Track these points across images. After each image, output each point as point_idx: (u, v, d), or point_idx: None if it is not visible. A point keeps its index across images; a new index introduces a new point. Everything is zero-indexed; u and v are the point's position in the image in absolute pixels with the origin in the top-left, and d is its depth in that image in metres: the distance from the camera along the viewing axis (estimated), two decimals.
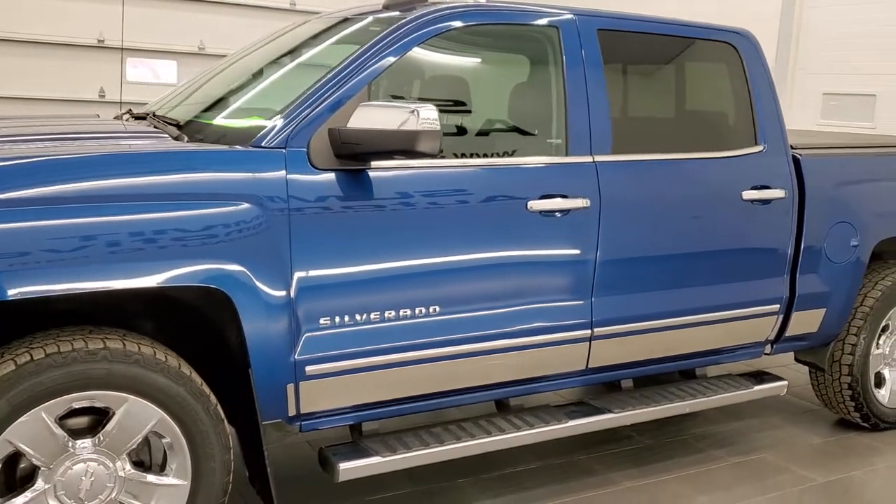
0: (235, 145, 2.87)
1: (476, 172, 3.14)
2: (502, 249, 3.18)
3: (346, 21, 3.57)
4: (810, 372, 4.54)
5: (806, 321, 4.08)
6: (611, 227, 3.39)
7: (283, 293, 2.78)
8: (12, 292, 2.39)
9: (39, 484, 2.55)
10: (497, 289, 3.21)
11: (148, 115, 3.61)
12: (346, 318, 2.92)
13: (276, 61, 3.62)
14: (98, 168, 2.58)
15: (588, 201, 3.32)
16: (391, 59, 3.06)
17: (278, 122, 2.89)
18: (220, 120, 3.21)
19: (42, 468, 2.55)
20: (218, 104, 3.44)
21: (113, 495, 2.66)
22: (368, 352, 2.97)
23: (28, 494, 2.53)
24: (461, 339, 3.14)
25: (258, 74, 3.57)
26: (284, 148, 2.83)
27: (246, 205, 2.72)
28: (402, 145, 2.74)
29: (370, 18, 3.43)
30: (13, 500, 2.52)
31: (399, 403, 3.15)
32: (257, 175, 2.77)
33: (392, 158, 2.85)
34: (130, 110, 3.91)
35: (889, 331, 4.46)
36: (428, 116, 2.72)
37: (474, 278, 3.15)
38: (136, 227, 2.56)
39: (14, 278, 2.39)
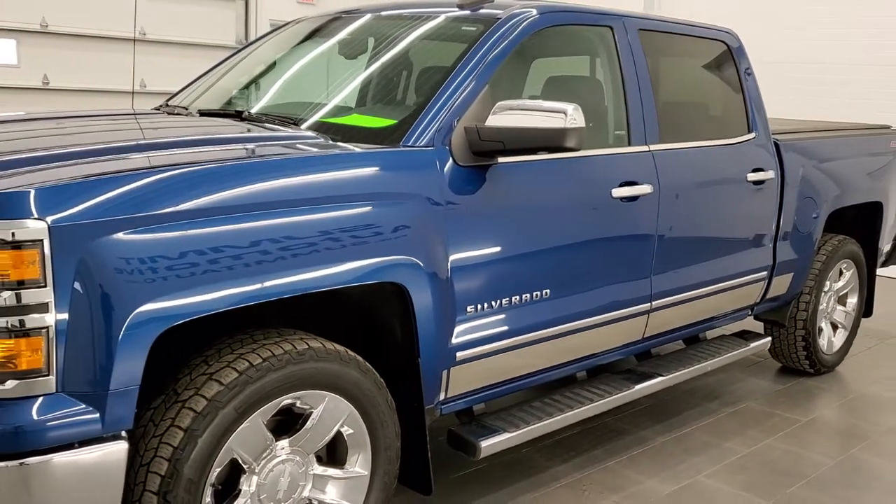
0: (377, 145, 2.94)
1: (574, 162, 3.39)
2: (595, 234, 3.47)
3: (398, 18, 3.67)
4: (765, 328, 5.17)
5: (781, 284, 4.69)
6: (666, 210, 3.76)
7: (445, 284, 2.91)
8: (217, 301, 2.37)
9: (245, 490, 2.55)
10: (589, 270, 3.49)
11: (184, 108, 3.55)
12: (485, 306, 3.09)
13: (345, 58, 3.66)
14: (272, 173, 2.57)
15: (652, 187, 3.67)
16: (502, 58, 3.24)
17: (422, 121, 2.99)
18: (337, 119, 3.24)
19: (248, 473, 2.55)
20: (314, 101, 3.45)
21: (305, 493, 2.71)
22: (500, 335, 3.17)
23: (241, 500, 2.54)
24: (564, 317, 3.40)
25: (334, 71, 3.60)
26: (433, 146, 2.95)
27: (412, 201, 2.82)
28: (551, 142, 2.94)
29: (443, 16, 3.56)
30: None
31: (514, 381, 3.37)
32: (418, 173, 2.88)
33: (534, 154, 3.04)
34: (167, 103, 3.80)
35: (826, 289, 5.18)
36: (575, 114, 2.94)
37: (574, 261, 3.42)
38: (321, 229, 2.59)
39: (212, 289, 2.37)
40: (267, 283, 2.44)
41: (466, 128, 3.01)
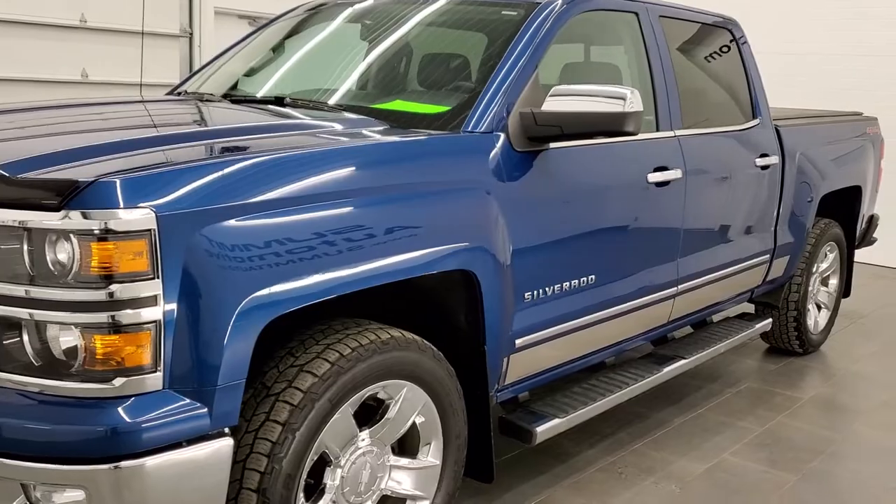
0: (437, 131, 2.90)
1: (614, 147, 3.41)
2: (633, 219, 3.50)
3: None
4: (756, 311, 5.30)
5: (779, 267, 4.82)
6: (691, 194, 3.82)
7: (507, 271, 2.90)
8: (318, 290, 2.31)
9: (330, 484, 2.50)
10: (629, 255, 3.53)
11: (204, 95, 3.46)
12: (540, 292, 3.09)
13: (376, 42, 3.59)
14: (360, 159, 2.53)
15: (681, 172, 3.72)
16: (548, 43, 3.23)
17: (479, 107, 2.96)
18: (383, 105, 3.18)
19: (333, 467, 2.50)
20: (351, 86, 3.38)
21: (383, 485, 2.66)
22: (553, 321, 3.17)
23: (328, 496, 2.48)
24: (607, 302, 3.42)
25: (364, 55, 3.54)
26: (493, 132, 2.93)
27: (479, 187, 2.80)
28: (610, 126, 2.94)
29: (480, 1, 3.53)
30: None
31: (559, 368, 3.38)
32: (483, 159, 2.85)
33: (590, 139, 3.04)
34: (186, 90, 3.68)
35: (814, 271, 5.35)
36: (633, 99, 2.95)
37: (616, 246, 3.44)
38: (403, 215, 2.56)
39: (313, 277, 2.31)
40: (359, 271, 2.39)
41: (522, 113, 2.99)
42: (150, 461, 2.01)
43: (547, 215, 3.06)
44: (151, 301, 2.00)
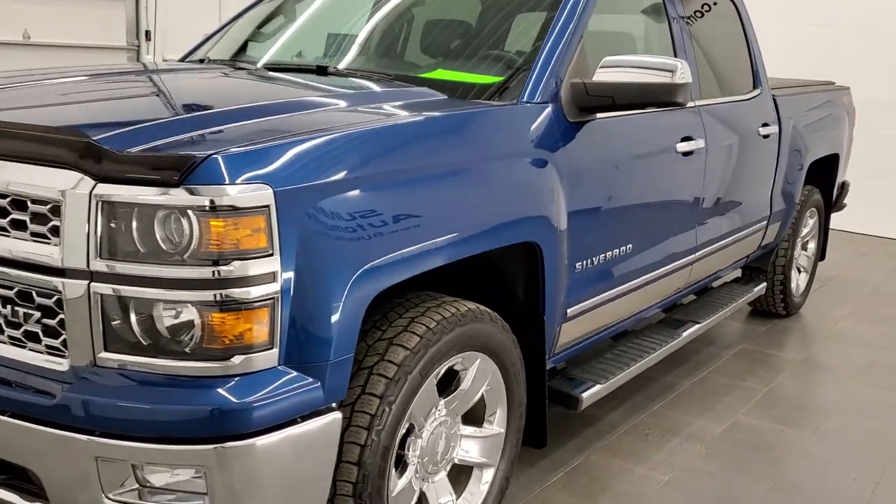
0: (493, 102, 2.91)
1: (649, 118, 3.46)
2: (665, 188, 3.58)
3: None
4: (743, 275, 5.47)
5: (772, 233, 4.98)
6: (710, 164, 3.91)
7: (565, 242, 2.94)
8: (418, 262, 2.33)
9: (411, 455, 2.52)
10: (659, 223, 3.61)
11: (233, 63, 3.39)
12: (588, 262, 3.14)
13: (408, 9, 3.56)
14: (442, 131, 2.53)
15: (703, 142, 3.81)
16: (589, 13, 3.25)
17: (533, 77, 2.97)
18: (430, 74, 3.16)
19: (414, 438, 2.52)
20: (391, 54, 3.35)
21: (453, 455, 2.70)
22: (598, 290, 3.24)
23: (411, 466, 2.51)
24: (641, 271, 3.50)
25: (397, 22, 3.50)
26: (548, 102, 2.95)
27: (541, 158, 2.82)
28: (661, 97, 2.98)
29: None
30: (402, 475, 2.49)
31: (594, 336, 3.45)
32: (543, 129, 2.87)
33: (640, 109, 3.09)
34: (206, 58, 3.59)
35: (799, 237, 5.54)
36: (683, 70, 3.00)
37: (650, 215, 3.51)
38: (480, 189, 2.58)
39: (412, 250, 2.32)
40: (452, 243, 2.41)
41: (573, 83, 3.01)
42: (272, 437, 2.00)
43: (594, 186, 3.11)
44: (269, 278, 1.98)
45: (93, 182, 1.94)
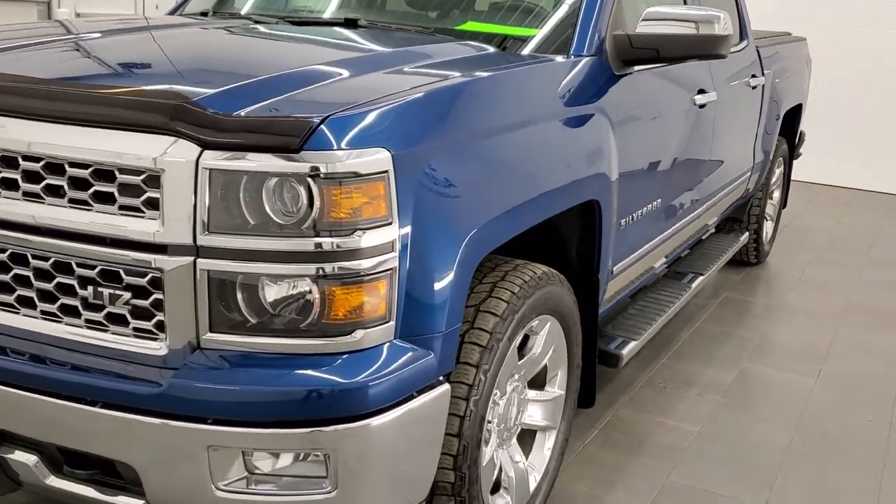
0: (542, 55, 2.82)
1: (674, 71, 3.42)
2: (687, 141, 3.57)
3: None
4: (718, 226, 5.55)
5: (752, 182, 5.06)
6: (718, 115, 3.92)
7: (616, 197, 2.89)
8: (516, 223, 2.26)
9: (491, 421, 2.46)
10: (682, 176, 3.60)
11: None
12: (631, 217, 3.11)
13: None
14: (524, 86, 2.45)
15: (715, 95, 3.81)
16: None
17: (580, 29, 2.88)
18: (467, 26, 3.03)
19: (493, 405, 2.46)
20: (420, 7, 3.20)
21: (522, 418, 2.65)
22: (636, 245, 3.22)
23: (493, 434, 2.45)
24: (666, 225, 3.50)
25: None
26: (596, 55, 2.87)
27: (597, 113, 2.76)
28: (706, 49, 2.94)
29: None
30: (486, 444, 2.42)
31: (628, 290, 3.43)
32: (596, 83, 2.80)
33: (683, 61, 3.04)
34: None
35: (769, 186, 5.65)
36: (727, 22, 2.97)
37: (675, 168, 3.50)
38: (561, 146, 2.52)
39: (509, 210, 2.25)
40: (539, 203, 2.34)
41: (616, 35, 2.94)
42: (393, 414, 1.89)
43: (635, 140, 3.06)
44: (388, 247, 1.86)
45: (198, 149, 1.77)
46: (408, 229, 1.90)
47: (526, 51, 2.83)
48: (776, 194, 5.94)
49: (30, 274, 1.97)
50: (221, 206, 1.78)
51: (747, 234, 5.19)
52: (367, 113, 1.86)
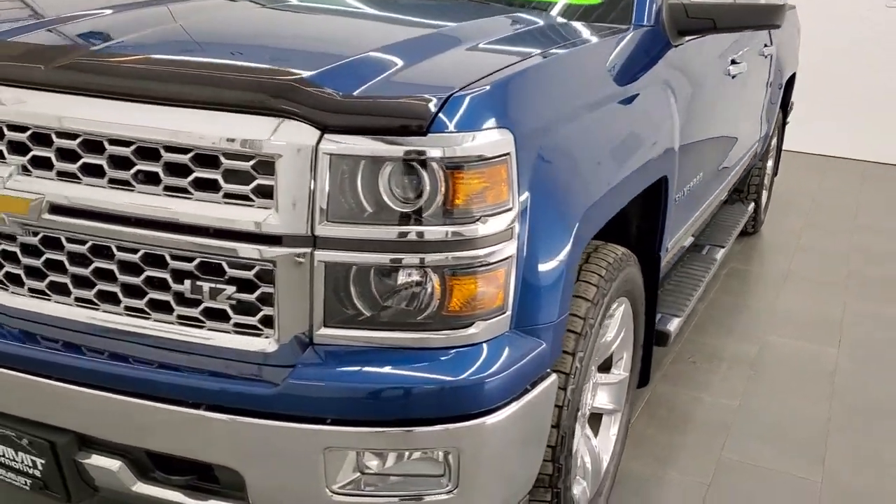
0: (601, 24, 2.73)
1: (707, 42, 3.35)
2: (725, 111, 3.52)
3: None
4: None
5: (758, 151, 5.06)
6: (745, 84, 3.88)
7: (677, 172, 2.83)
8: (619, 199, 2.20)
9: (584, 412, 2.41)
10: (719, 147, 3.56)
11: None
12: (682, 192, 3.05)
13: None
14: (616, 58, 2.36)
15: (746, 66, 3.76)
16: None
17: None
18: None
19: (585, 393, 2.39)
20: None
21: (594, 402, 2.59)
22: (682, 220, 3.16)
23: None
24: (706, 194, 3.46)
25: None
26: (656, 26, 2.78)
27: (664, 86, 2.68)
28: (763, 19, 2.86)
29: None
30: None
31: (669, 265, 3.39)
32: (661, 54, 2.72)
33: (738, 31, 2.97)
34: None
35: (768, 155, 5.66)
36: None
37: (714, 139, 3.45)
38: (638, 122, 2.44)
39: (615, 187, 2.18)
40: (635, 179, 2.27)
41: (672, 4, 2.85)
42: (513, 408, 1.81)
43: (690, 112, 2.99)
44: (508, 234, 1.76)
45: (318, 133, 1.64)
46: (525, 214, 1.80)
47: (589, 21, 2.73)
48: (769, 163, 5.95)
49: (113, 267, 1.82)
50: (341, 193, 1.66)
51: (753, 203, 5.19)
52: (488, 91, 1.74)
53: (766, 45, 4.54)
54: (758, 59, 4.40)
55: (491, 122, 1.71)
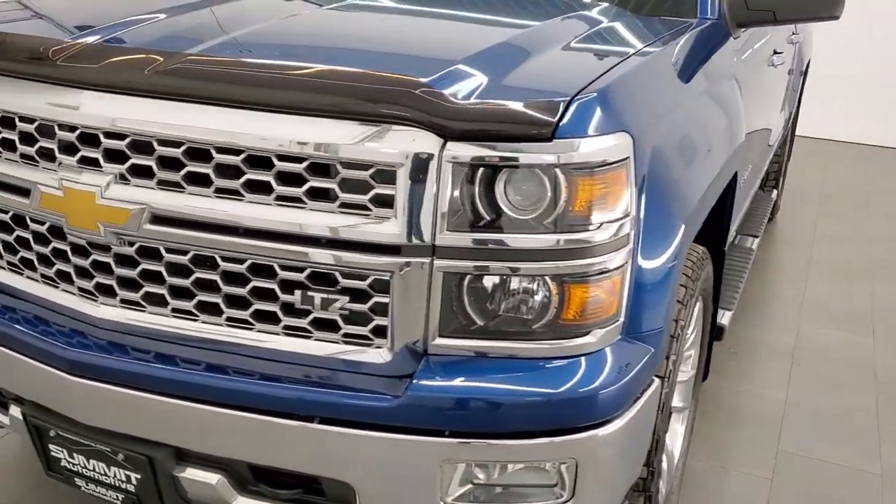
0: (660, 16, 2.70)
1: (756, 34, 3.33)
2: (769, 101, 3.51)
3: None
4: None
5: (784, 136, 5.06)
6: (782, 74, 3.87)
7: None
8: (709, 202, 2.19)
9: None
10: (762, 137, 3.54)
11: None
12: (740, 185, 3.03)
13: None
14: (695, 54, 2.32)
15: (786, 55, 3.74)
16: None
17: None
18: None
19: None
20: None
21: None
22: (737, 214, 3.15)
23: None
24: (751, 187, 3.44)
25: None
26: (717, 19, 2.75)
27: (734, 79, 2.66)
28: (822, 10, 2.82)
29: None
30: None
31: None
32: (729, 47, 2.69)
33: (796, 23, 2.95)
34: None
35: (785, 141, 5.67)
36: None
37: (761, 130, 3.43)
38: (715, 123, 2.40)
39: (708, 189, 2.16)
40: (722, 179, 2.24)
41: None
42: (628, 416, 1.78)
43: (748, 104, 2.97)
44: (625, 241, 1.73)
45: (440, 140, 1.60)
46: (639, 219, 1.77)
47: (655, 14, 2.69)
48: (784, 149, 5.96)
49: (216, 277, 1.77)
50: (462, 201, 1.62)
51: (775, 191, 5.20)
52: (608, 94, 1.70)
53: (793, 33, 4.52)
54: (787, 46, 4.38)
55: (612, 126, 1.67)
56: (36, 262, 1.97)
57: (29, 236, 1.96)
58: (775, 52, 3.58)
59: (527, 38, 2.02)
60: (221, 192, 1.71)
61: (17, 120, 1.88)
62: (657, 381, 1.95)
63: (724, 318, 3.18)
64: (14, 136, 1.90)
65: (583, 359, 1.73)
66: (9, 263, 2.05)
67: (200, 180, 1.72)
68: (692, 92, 2.18)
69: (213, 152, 1.69)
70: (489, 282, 1.67)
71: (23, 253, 2.00)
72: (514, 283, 1.68)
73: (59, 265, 1.93)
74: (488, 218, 1.63)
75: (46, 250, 1.93)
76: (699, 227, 2.09)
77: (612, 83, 1.74)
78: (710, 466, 2.94)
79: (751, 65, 3.07)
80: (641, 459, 2.00)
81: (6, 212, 1.98)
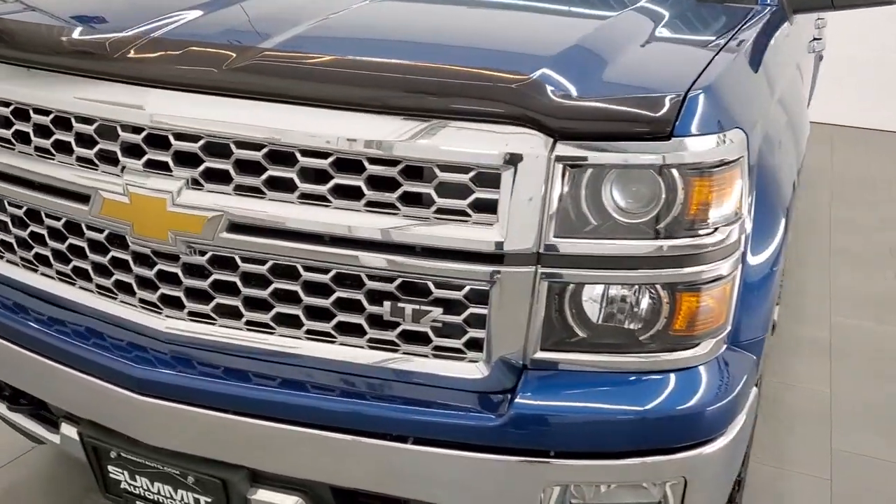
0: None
1: (806, 18, 3.24)
2: (809, 84, 3.42)
3: None
4: None
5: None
6: (817, 59, 3.78)
7: None
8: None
9: None
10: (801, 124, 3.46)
11: None
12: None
13: None
14: (771, 49, 2.22)
15: (824, 43, 3.65)
16: None
17: None
18: None
19: None
20: None
21: None
22: None
23: None
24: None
25: None
26: (778, 4, 2.65)
27: (796, 65, 2.58)
28: None
29: None
30: None
31: None
32: (788, 32, 2.59)
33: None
34: None
35: None
36: None
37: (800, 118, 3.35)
38: (798, 114, 2.32)
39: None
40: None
41: None
42: (735, 429, 1.68)
43: (804, 89, 2.89)
44: (737, 245, 1.62)
45: (549, 140, 1.48)
46: (749, 221, 1.67)
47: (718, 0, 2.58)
48: None
49: (297, 288, 1.65)
50: (570, 205, 1.51)
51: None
52: (719, 88, 1.60)
53: (819, 18, 4.44)
54: (813, 31, 4.30)
55: (728, 122, 1.57)
56: (91, 272, 1.84)
57: (84, 244, 1.82)
58: (815, 39, 3.49)
59: (609, 31, 1.89)
60: (306, 197, 1.58)
61: (72, 120, 1.75)
62: (756, 390, 1.85)
63: (774, 313, 3.10)
64: (70, 138, 1.76)
65: (692, 371, 1.62)
66: (59, 273, 1.92)
67: (283, 185, 1.59)
68: (776, 81, 2.08)
69: (299, 156, 1.56)
70: (596, 291, 1.57)
71: (76, 262, 1.86)
72: (623, 292, 1.57)
73: (118, 275, 1.80)
74: (596, 223, 1.52)
75: (104, 259, 1.80)
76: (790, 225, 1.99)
77: (719, 76, 1.63)
78: (765, 466, 2.86)
79: (801, 51, 2.98)
80: (736, 470, 1.90)
81: (58, 219, 1.84)
